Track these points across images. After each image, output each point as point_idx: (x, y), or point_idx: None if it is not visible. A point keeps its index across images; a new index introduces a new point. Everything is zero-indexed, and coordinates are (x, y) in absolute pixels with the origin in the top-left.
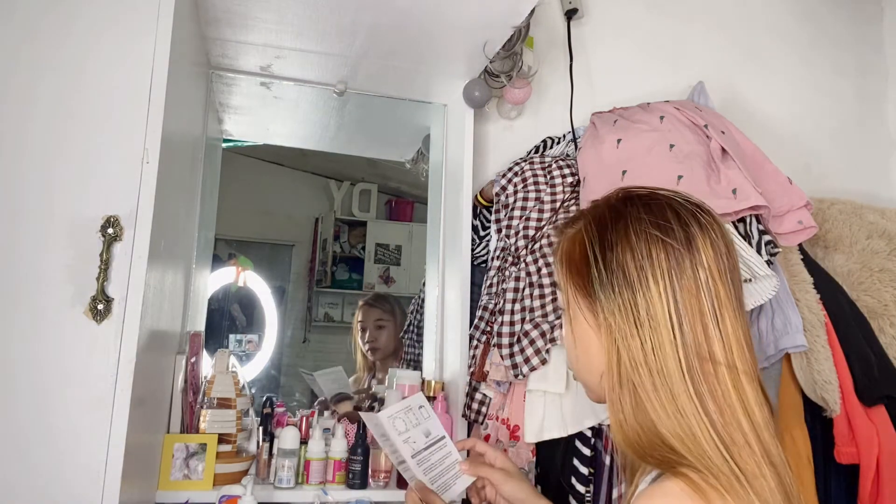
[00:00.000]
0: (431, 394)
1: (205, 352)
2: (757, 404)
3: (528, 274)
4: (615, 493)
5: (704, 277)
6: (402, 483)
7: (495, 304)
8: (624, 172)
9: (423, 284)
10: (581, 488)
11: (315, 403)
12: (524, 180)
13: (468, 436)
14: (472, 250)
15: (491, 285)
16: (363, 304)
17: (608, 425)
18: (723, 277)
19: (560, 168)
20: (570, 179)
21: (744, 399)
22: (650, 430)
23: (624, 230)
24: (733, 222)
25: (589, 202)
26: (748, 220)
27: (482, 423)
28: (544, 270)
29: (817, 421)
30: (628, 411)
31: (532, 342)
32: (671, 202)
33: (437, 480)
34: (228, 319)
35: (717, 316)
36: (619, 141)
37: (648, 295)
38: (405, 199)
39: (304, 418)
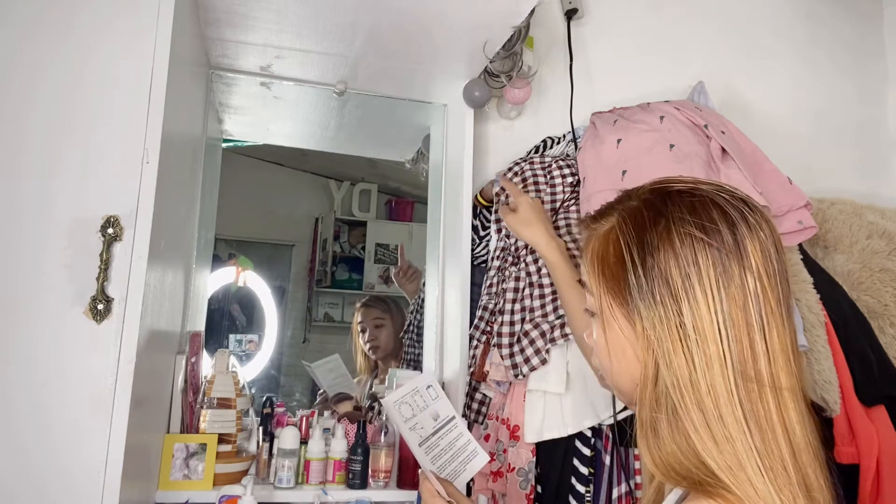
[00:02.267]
0: None
1: (205, 352)
2: (799, 423)
3: (529, 274)
4: (615, 493)
5: (753, 285)
6: (402, 483)
7: (495, 304)
8: (624, 172)
9: (423, 284)
10: (581, 488)
11: (315, 403)
12: (524, 180)
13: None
14: (472, 250)
15: (491, 285)
16: (361, 306)
17: (609, 425)
18: (772, 282)
19: (560, 168)
20: (570, 179)
21: (785, 419)
22: (690, 455)
23: (666, 232)
24: None
25: (589, 201)
26: None
27: (482, 423)
28: (544, 270)
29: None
30: (664, 434)
31: (532, 342)
32: (716, 199)
33: (447, 467)
34: (228, 319)
35: (764, 328)
36: (619, 141)
37: (696, 306)
38: (405, 199)
39: (304, 418)
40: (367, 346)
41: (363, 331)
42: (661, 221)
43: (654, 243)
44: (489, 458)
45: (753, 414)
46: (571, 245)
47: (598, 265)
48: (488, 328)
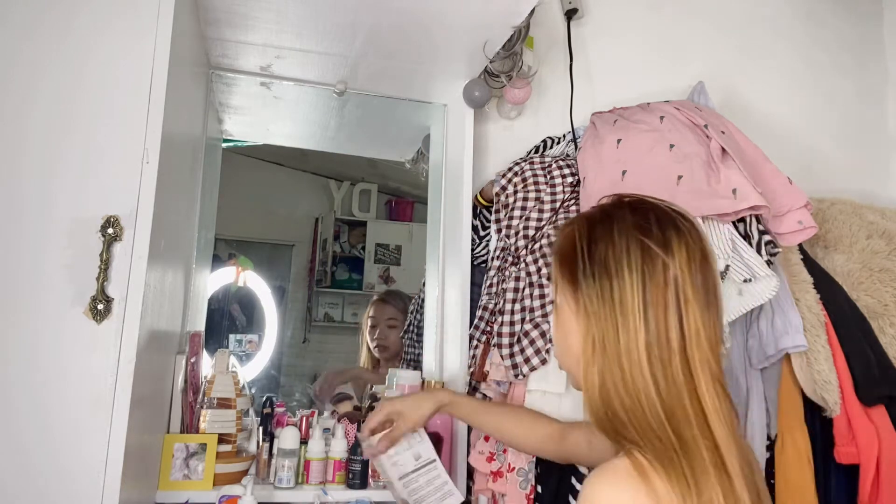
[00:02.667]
0: None
1: (205, 352)
2: (709, 393)
3: (528, 274)
4: None
5: (674, 274)
6: None
7: (495, 304)
8: (624, 172)
9: (423, 284)
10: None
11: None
12: (524, 180)
13: (468, 436)
14: (472, 250)
15: (491, 285)
16: (377, 300)
17: None
18: (693, 276)
19: (560, 168)
20: (570, 179)
21: (695, 384)
22: (608, 405)
23: (609, 227)
24: (733, 222)
25: (589, 201)
26: (748, 220)
27: None
28: (544, 270)
29: (817, 421)
30: (594, 390)
31: (532, 342)
32: (655, 208)
33: (423, 501)
34: (228, 319)
35: (680, 309)
36: (619, 141)
37: (623, 285)
38: (405, 199)
39: (304, 418)
40: (375, 343)
41: (374, 326)
42: (608, 220)
43: (599, 235)
44: (461, 499)
45: (664, 375)
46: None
47: (558, 255)
48: (488, 328)
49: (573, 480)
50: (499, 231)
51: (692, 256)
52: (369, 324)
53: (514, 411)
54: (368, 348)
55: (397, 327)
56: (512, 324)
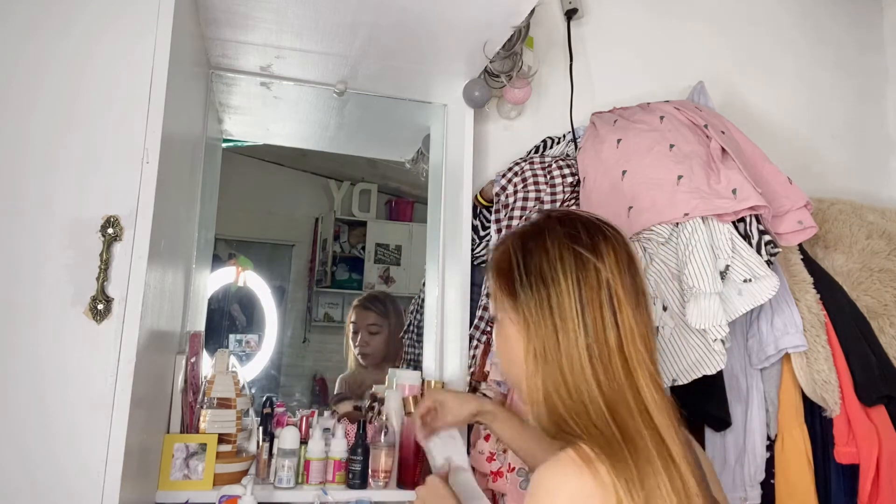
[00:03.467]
0: None
1: (205, 352)
2: (647, 388)
3: None
4: None
5: (605, 277)
6: (402, 483)
7: None
8: (624, 172)
9: (423, 284)
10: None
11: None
12: (524, 180)
13: (468, 436)
14: (472, 250)
15: None
16: (357, 305)
17: None
18: (623, 278)
19: (560, 168)
20: (570, 179)
21: (634, 380)
22: (552, 410)
23: (542, 239)
24: (733, 222)
25: (589, 201)
26: (748, 220)
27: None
28: None
29: (817, 421)
30: (539, 396)
31: None
32: (582, 218)
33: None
34: (228, 319)
35: (614, 308)
36: (619, 141)
37: (558, 290)
38: (405, 199)
39: (304, 418)
40: (358, 350)
41: (355, 332)
42: (539, 232)
43: (533, 247)
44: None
45: (605, 372)
46: None
47: (495, 271)
48: (488, 328)
49: None
50: (499, 231)
51: (620, 259)
52: (351, 329)
53: (538, 436)
54: (353, 354)
55: (379, 333)
56: None
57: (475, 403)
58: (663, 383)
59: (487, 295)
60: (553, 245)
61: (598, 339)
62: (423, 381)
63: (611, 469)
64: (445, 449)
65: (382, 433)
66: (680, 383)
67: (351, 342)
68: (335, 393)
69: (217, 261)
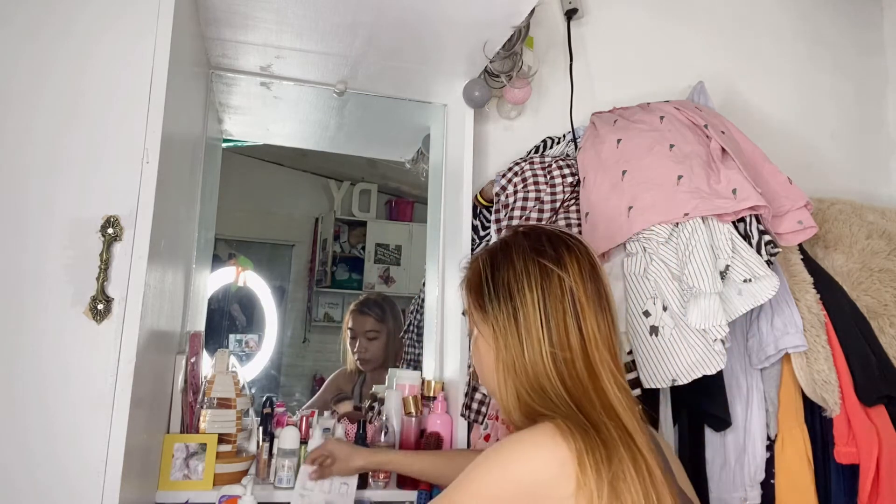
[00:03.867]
0: (431, 393)
1: (205, 352)
2: (610, 387)
3: None
4: None
5: (569, 286)
6: (402, 483)
7: None
8: (624, 172)
9: (423, 284)
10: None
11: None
12: (524, 180)
13: (468, 436)
14: (472, 250)
15: None
16: (354, 310)
17: None
18: (585, 285)
19: (560, 168)
20: (570, 179)
21: (596, 379)
22: (526, 413)
23: (508, 253)
24: (733, 222)
25: (589, 201)
26: (748, 220)
27: (482, 423)
28: None
29: (817, 421)
30: (513, 402)
31: None
32: (546, 232)
33: None
34: (228, 319)
35: (578, 315)
36: (619, 141)
37: (524, 302)
38: (405, 199)
39: (304, 418)
40: (357, 356)
41: (353, 338)
42: (507, 248)
43: (500, 261)
44: None
45: (568, 374)
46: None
47: (466, 287)
48: None
49: None
50: (499, 231)
51: (583, 268)
52: (349, 335)
53: (447, 454)
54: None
55: (377, 338)
56: None
57: (362, 461)
58: (626, 382)
59: (464, 312)
60: (518, 258)
61: (562, 345)
62: (423, 380)
63: (583, 443)
64: (328, 494)
65: (382, 433)
66: (680, 383)
67: (349, 347)
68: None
69: (217, 261)
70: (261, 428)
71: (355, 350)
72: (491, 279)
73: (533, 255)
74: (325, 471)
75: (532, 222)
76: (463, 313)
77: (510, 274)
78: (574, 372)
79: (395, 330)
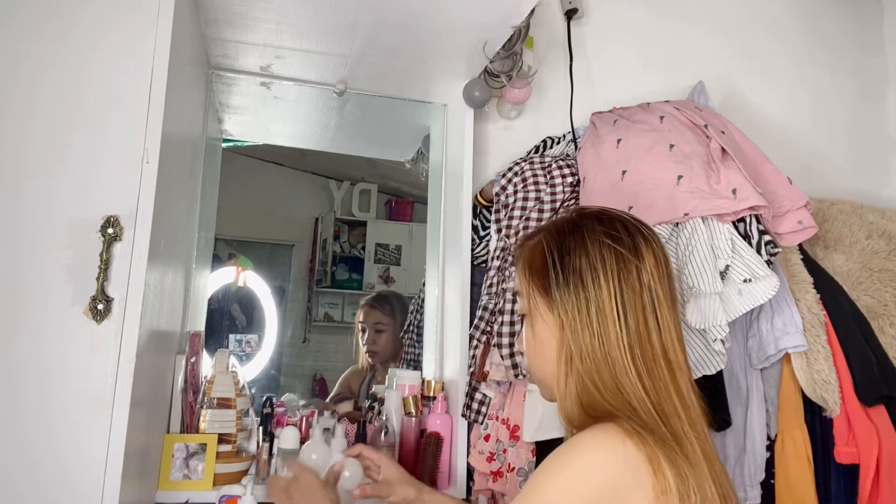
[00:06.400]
0: (431, 394)
1: (205, 352)
2: (685, 387)
3: None
4: None
5: (647, 279)
6: None
7: (495, 304)
8: (624, 172)
9: (423, 284)
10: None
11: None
12: (524, 180)
13: (468, 436)
14: (472, 250)
15: (491, 285)
16: (364, 304)
17: None
18: (662, 281)
19: (560, 168)
20: (570, 179)
21: (675, 379)
22: (591, 409)
23: (580, 237)
24: (733, 222)
25: (589, 201)
26: (748, 220)
27: (482, 423)
28: None
29: (817, 421)
30: (573, 397)
31: None
32: (620, 217)
33: None
34: (228, 319)
35: (656, 311)
36: (619, 141)
37: (599, 293)
38: (405, 199)
39: (304, 418)
40: (366, 349)
41: (363, 331)
42: (577, 230)
43: (571, 246)
44: None
45: (648, 372)
46: None
47: (527, 268)
48: (488, 328)
49: None
50: (499, 231)
51: (659, 261)
52: (360, 328)
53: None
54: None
55: (385, 331)
56: (512, 323)
57: (414, 492)
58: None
59: (515, 292)
60: (593, 244)
61: (642, 342)
62: (422, 380)
63: (668, 464)
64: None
65: (382, 433)
66: None
67: (360, 341)
68: (335, 391)
69: (217, 261)
70: (261, 428)
71: (364, 342)
72: (559, 263)
73: (609, 242)
74: (368, 488)
75: (532, 222)
76: (514, 294)
77: (583, 260)
78: (655, 371)
79: (403, 324)
